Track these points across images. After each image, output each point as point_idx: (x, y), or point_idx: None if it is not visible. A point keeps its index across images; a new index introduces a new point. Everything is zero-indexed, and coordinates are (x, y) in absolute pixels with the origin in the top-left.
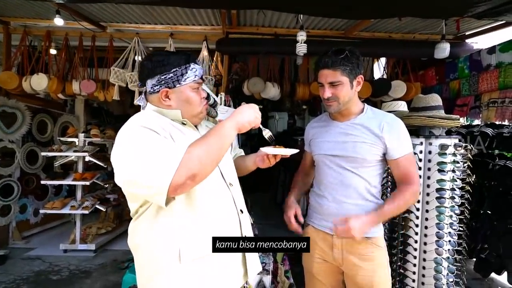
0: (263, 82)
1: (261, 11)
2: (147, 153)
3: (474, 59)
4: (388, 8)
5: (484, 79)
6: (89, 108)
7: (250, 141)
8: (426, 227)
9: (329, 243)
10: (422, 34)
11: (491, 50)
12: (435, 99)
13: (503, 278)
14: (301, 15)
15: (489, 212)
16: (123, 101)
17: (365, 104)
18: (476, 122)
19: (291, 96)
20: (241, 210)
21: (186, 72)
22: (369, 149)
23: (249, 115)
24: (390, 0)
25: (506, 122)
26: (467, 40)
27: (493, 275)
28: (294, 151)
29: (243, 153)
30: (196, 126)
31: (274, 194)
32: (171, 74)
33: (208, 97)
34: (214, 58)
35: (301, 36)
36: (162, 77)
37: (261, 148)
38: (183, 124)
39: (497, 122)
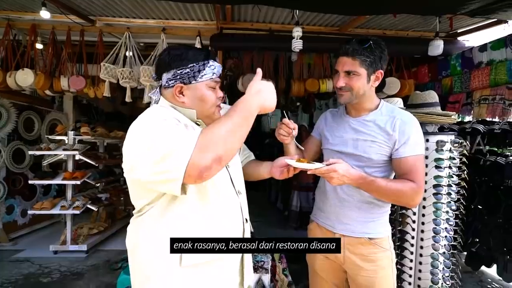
0: None
1: (256, 6)
2: (163, 138)
3: (466, 57)
4: (382, 5)
5: (476, 76)
6: (78, 105)
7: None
8: (423, 223)
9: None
10: (415, 31)
11: (483, 48)
12: (432, 96)
13: (492, 270)
14: (297, 11)
15: (480, 207)
16: (114, 98)
17: (382, 100)
18: (468, 118)
19: (286, 92)
20: (246, 219)
21: (204, 69)
22: (377, 149)
23: (273, 97)
24: None
25: (496, 119)
26: (459, 38)
27: (483, 268)
28: (319, 165)
29: (253, 157)
30: None
31: (267, 192)
32: (188, 70)
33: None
34: None
35: (297, 32)
36: (178, 71)
37: (286, 160)
38: (197, 124)
39: (488, 119)
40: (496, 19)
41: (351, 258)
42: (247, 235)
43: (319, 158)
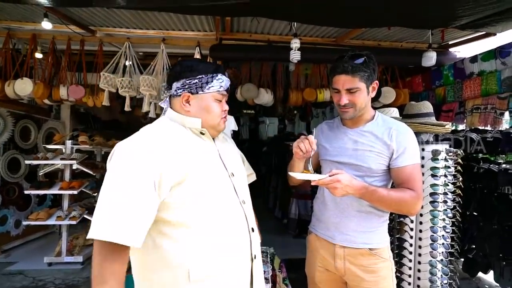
0: (256, 88)
1: (255, 18)
2: (117, 206)
3: (458, 67)
4: (377, 18)
5: (468, 86)
6: (75, 113)
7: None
8: (420, 231)
9: (331, 252)
10: (409, 43)
11: (473, 59)
12: (427, 106)
13: (489, 277)
14: (295, 23)
15: (475, 214)
16: (112, 107)
17: (376, 111)
18: (461, 127)
19: (284, 102)
20: (252, 229)
21: (212, 81)
22: (376, 158)
23: None
24: (381, 11)
25: (489, 127)
26: (451, 49)
27: (480, 274)
28: (323, 176)
29: (254, 178)
30: (213, 138)
31: (265, 200)
32: (196, 80)
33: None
34: None
35: (295, 43)
36: (187, 81)
37: (289, 173)
38: (202, 133)
39: (480, 127)
40: (485, 32)
41: (352, 269)
42: (255, 245)
43: (318, 169)
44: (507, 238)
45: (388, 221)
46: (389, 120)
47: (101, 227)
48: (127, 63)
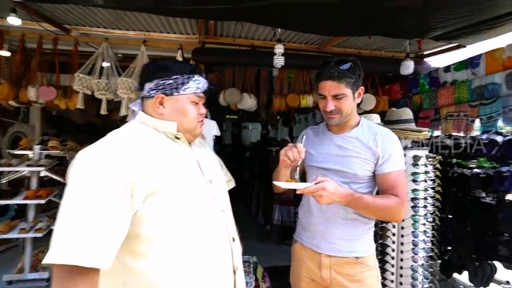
0: (239, 92)
1: (239, 22)
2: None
3: (433, 76)
4: (358, 27)
5: (442, 94)
6: (46, 116)
7: (224, 150)
8: (402, 236)
9: (317, 261)
10: (388, 52)
11: (447, 69)
12: (407, 113)
13: (464, 277)
14: (278, 29)
15: (450, 217)
16: (87, 109)
17: (361, 117)
18: (436, 133)
19: (267, 107)
20: (233, 238)
21: (188, 82)
22: (361, 165)
23: None
24: (361, 20)
25: (462, 134)
26: (426, 59)
27: (455, 275)
28: (308, 184)
29: (233, 184)
30: (189, 143)
31: (248, 205)
32: (171, 81)
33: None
34: None
35: (279, 48)
36: (161, 82)
37: (274, 182)
38: (177, 138)
39: (454, 133)
40: (457, 44)
41: (338, 279)
42: (236, 256)
43: (303, 176)
44: (480, 240)
45: (373, 228)
46: (374, 126)
47: (60, 248)
48: (104, 64)
